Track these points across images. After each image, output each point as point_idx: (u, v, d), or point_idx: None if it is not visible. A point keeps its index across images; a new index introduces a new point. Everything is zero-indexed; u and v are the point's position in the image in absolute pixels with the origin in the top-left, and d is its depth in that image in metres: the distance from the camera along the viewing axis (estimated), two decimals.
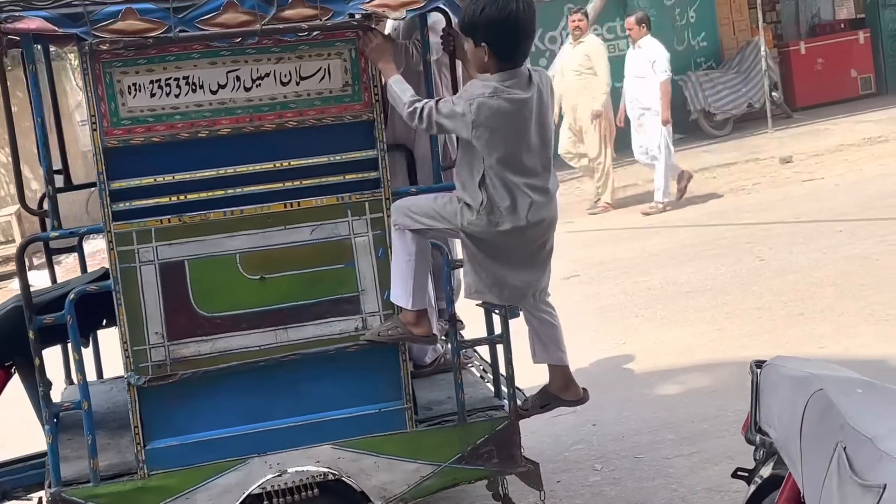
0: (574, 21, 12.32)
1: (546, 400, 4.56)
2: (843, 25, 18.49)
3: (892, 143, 13.90)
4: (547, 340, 4.47)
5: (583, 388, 4.58)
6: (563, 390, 4.54)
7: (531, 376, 4.82)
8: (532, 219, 4.16)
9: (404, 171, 5.05)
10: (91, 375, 5.27)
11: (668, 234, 10.73)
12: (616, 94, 13.03)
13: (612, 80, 12.45)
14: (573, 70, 12.25)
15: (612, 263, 9.68)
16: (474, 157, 4.11)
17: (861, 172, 12.35)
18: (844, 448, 2.82)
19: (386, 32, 5.09)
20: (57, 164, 5.29)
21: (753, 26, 16.99)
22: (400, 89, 4.14)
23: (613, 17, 16.67)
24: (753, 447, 3.55)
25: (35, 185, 12.30)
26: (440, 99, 4.13)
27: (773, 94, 16.39)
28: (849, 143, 14.23)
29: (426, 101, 4.11)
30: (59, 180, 5.25)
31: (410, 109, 4.09)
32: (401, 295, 4.27)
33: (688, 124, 16.55)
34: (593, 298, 8.57)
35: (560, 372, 4.52)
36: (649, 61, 11.94)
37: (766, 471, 3.48)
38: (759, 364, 3.56)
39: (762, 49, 16.01)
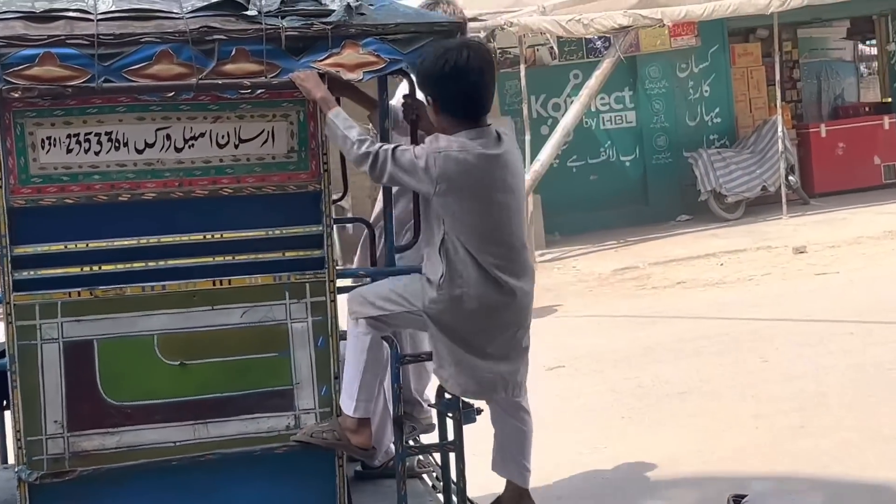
0: None
1: None
2: (867, 109, 18.40)
3: None
4: (511, 450, 4.27)
5: None
6: None
7: (489, 484, 4.55)
8: (502, 297, 3.94)
9: (365, 249, 4.84)
10: None
11: (666, 324, 10.48)
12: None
13: None
14: None
15: (602, 355, 9.42)
16: (435, 217, 3.92)
17: (879, 268, 12.13)
18: None
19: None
20: None
21: (772, 105, 16.87)
22: (344, 125, 3.90)
23: (622, 86, 16.60)
24: None
25: None
26: (398, 146, 3.91)
27: (790, 177, 16.23)
28: (868, 235, 14.01)
29: (381, 144, 3.88)
30: None
31: (361, 152, 3.84)
32: (345, 398, 4.06)
33: (696, 205, 16.39)
34: (577, 394, 8.29)
35: (516, 491, 4.24)
36: None
37: None
38: (738, 499, 3.28)
39: (780, 129, 15.86)
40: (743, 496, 3.34)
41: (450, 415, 4.32)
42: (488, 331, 3.99)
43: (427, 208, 4.00)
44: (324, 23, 3.92)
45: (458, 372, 4.01)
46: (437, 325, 3.97)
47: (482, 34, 14.10)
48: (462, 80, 3.88)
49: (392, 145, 3.90)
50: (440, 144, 3.87)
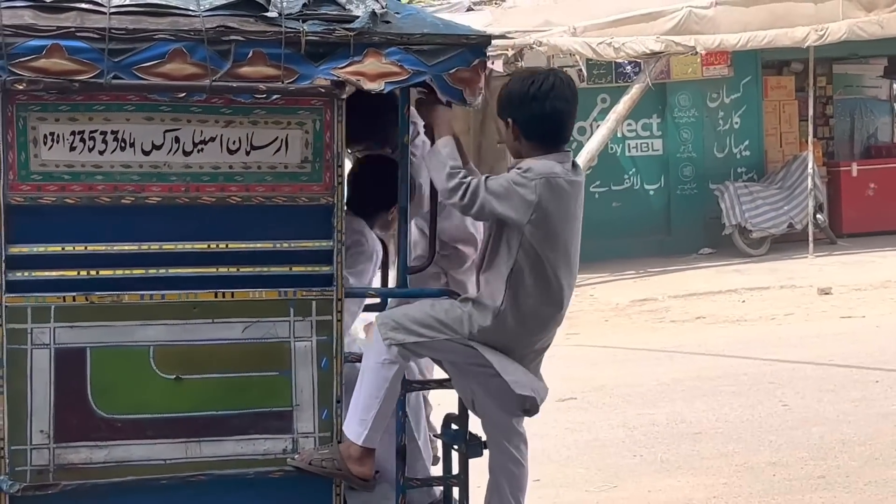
0: None
1: None
2: None
3: None
4: (513, 491, 4.11)
5: None
6: None
7: None
8: (548, 324, 4.00)
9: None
10: None
11: (684, 361, 10.33)
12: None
13: None
14: None
15: (616, 389, 9.27)
16: (507, 246, 3.88)
17: None
18: None
19: None
20: None
21: (803, 140, 16.72)
22: (448, 154, 3.86)
23: (650, 113, 16.47)
24: None
25: None
26: (488, 176, 3.88)
27: (818, 216, 16.07)
28: None
29: (473, 176, 3.84)
30: None
31: (454, 183, 3.79)
32: (354, 425, 3.91)
33: (720, 239, 16.24)
34: (588, 428, 8.14)
35: None
36: None
37: None
38: None
39: (810, 166, 15.73)
40: None
41: (455, 447, 4.19)
42: (530, 349, 4.01)
43: (496, 235, 3.95)
44: (346, 29, 3.79)
45: (522, 374, 3.96)
46: (487, 345, 3.91)
47: (510, 52, 14.03)
48: (547, 103, 3.90)
49: (482, 176, 3.87)
50: (538, 169, 3.86)
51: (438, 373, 4.49)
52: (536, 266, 3.87)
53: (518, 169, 3.91)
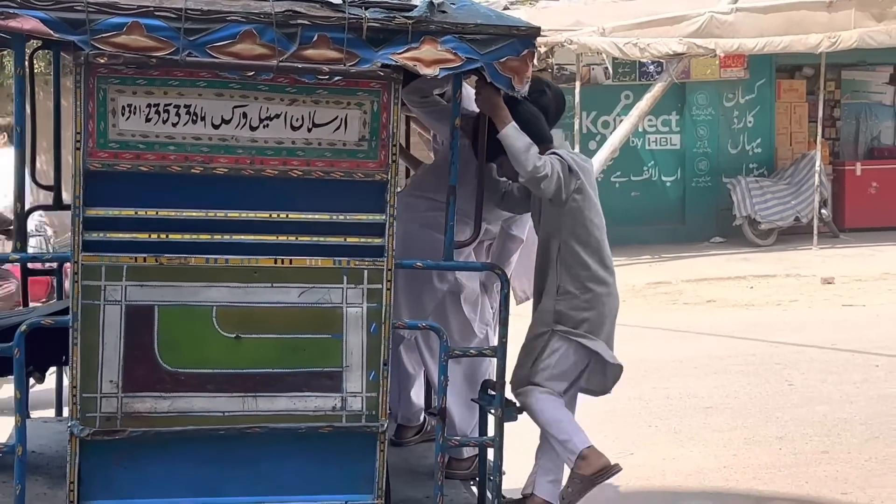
0: None
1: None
2: None
3: None
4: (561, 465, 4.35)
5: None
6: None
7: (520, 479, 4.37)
8: (608, 291, 4.22)
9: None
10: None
11: (696, 340, 10.24)
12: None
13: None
14: None
15: (633, 364, 9.04)
16: (554, 227, 4.07)
17: None
18: None
19: None
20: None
21: (811, 140, 16.56)
22: (524, 138, 3.97)
23: (670, 110, 16.33)
24: None
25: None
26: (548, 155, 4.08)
27: (823, 210, 15.91)
28: (895, 271, 13.67)
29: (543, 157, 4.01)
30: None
31: (543, 170, 3.93)
32: (564, 452, 4.31)
33: (731, 229, 16.12)
34: (607, 399, 7.92)
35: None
36: None
37: None
38: None
39: (817, 164, 15.58)
40: None
41: (492, 411, 4.15)
42: (609, 319, 4.33)
43: (542, 221, 4.12)
44: (405, 16, 3.73)
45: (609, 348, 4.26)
46: (568, 326, 4.16)
47: (542, 49, 13.91)
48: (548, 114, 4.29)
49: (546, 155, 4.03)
50: (564, 154, 4.07)
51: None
52: (583, 232, 4.04)
53: (551, 154, 4.07)
